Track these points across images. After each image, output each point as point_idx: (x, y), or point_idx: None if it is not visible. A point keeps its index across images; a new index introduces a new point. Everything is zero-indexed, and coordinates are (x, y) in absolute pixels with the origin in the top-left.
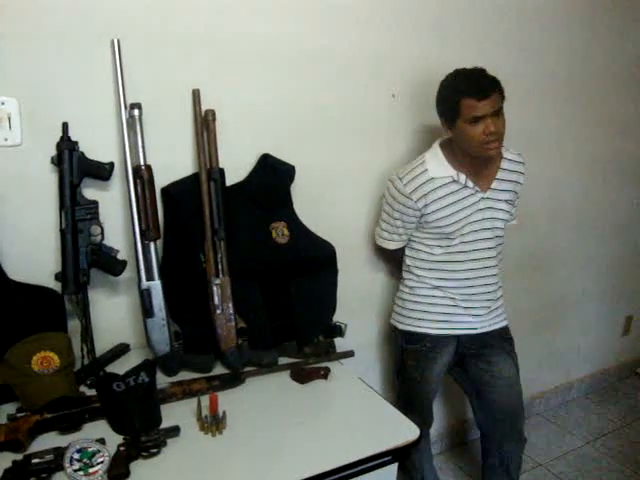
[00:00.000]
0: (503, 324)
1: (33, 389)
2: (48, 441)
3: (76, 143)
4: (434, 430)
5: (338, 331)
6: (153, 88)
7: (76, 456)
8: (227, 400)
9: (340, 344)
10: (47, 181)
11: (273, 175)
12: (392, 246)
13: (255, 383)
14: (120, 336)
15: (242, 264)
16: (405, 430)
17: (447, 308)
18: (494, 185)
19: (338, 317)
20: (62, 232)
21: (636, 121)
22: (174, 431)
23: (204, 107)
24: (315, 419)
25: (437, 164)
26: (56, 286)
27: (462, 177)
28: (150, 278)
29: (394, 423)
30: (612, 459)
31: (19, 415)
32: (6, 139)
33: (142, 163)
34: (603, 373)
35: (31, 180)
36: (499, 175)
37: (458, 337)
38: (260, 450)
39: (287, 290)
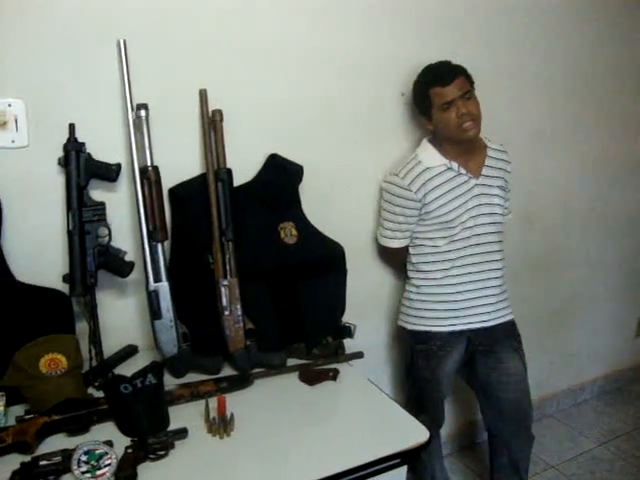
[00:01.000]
0: (510, 317)
1: (41, 391)
2: (56, 443)
3: (83, 144)
4: (444, 431)
5: (347, 332)
6: (160, 88)
7: (84, 458)
8: (235, 402)
9: (349, 345)
10: (54, 183)
11: (281, 175)
12: (396, 244)
13: (263, 385)
14: (128, 338)
15: (250, 265)
16: (415, 432)
17: (455, 304)
18: (485, 172)
19: (347, 318)
20: (69, 234)
21: None
22: (182, 433)
23: (211, 107)
24: (324, 421)
25: (429, 155)
26: (64, 288)
27: (455, 164)
28: (158, 279)
29: (403, 425)
30: (625, 462)
31: (27, 417)
32: (13, 141)
33: (149, 164)
34: (615, 375)
35: (38, 182)
36: (488, 162)
37: (468, 335)
38: (268, 452)
39: (295, 291)
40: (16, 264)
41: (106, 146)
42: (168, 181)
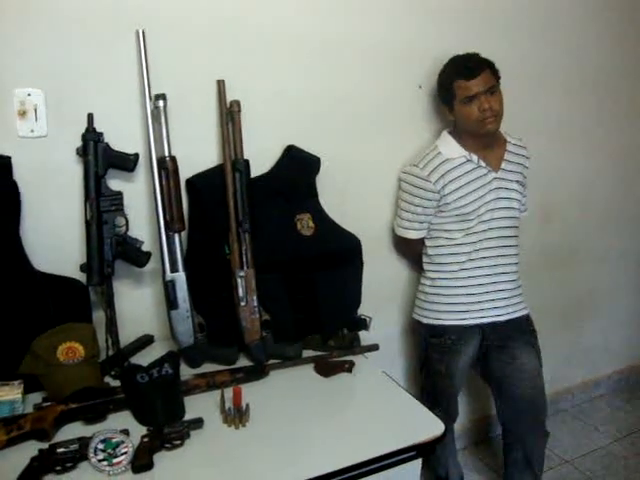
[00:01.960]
0: (525, 312)
1: (58, 379)
2: (73, 431)
3: (101, 134)
4: (458, 425)
5: (363, 324)
6: (178, 79)
7: (100, 446)
8: (251, 393)
9: (363, 338)
10: (72, 172)
11: (298, 166)
12: (413, 235)
13: (279, 376)
14: (144, 327)
15: (267, 256)
16: (430, 425)
17: (469, 297)
18: (504, 166)
19: (362, 310)
20: (87, 223)
21: None
22: (197, 423)
23: (229, 98)
24: (339, 413)
25: (449, 147)
26: (81, 277)
27: (474, 157)
28: (174, 270)
29: (419, 418)
30: None
31: (45, 405)
32: (32, 130)
33: (167, 154)
34: (631, 370)
35: (56, 171)
36: (507, 157)
37: (482, 329)
38: (283, 443)
39: (312, 282)
40: (34, 253)
41: (124, 136)
42: (185, 172)
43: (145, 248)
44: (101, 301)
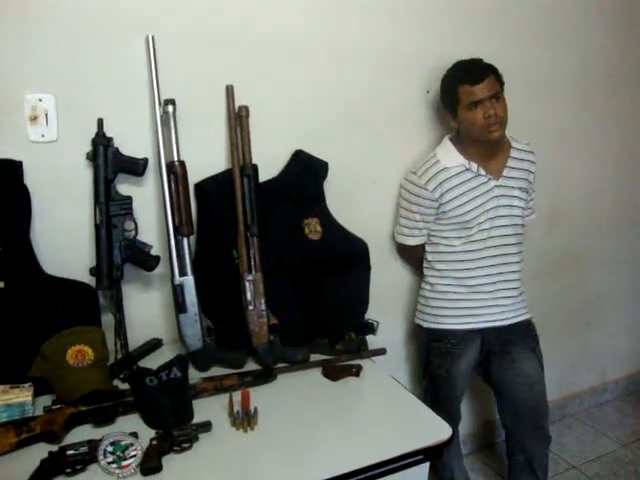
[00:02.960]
0: (527, 316)
1: (68, 382)
2: (83, 433)
3: (111, 139)
4: (464, 430)
5: (370, 328)
6: (187, 84)
7: (109, 449)
8: (259, 396)
9: (369, 342)
10: (82, 177)
11: (306, 171)
12: (413, 242)
13: (287, 380)
14: (153, 331)
15: (274, 260)
16: (438, 429)
17: (470, 302)
18: (506, 173)
19: (368, 315)
20: (96, 227)
21: None
22: (206, 426)
23: (237, 103)
24: (347, 416)
25: (448, 155)
26: (90, 281)
27: (474, 165)
28: (183, 274)
29: (426, 422)
30: None
31: (55, 407)
32: (43, 135)
33: (176, 159)
34: (639, 376)
35: (66, 176)
36: (510, 163)
37: (483, 333)
38: (291, 447)
39: (319, 286)
40: (44, 257)
41: (133, 141)
42: (194, 176)
43: (154, 252)
44: (110, 305)
